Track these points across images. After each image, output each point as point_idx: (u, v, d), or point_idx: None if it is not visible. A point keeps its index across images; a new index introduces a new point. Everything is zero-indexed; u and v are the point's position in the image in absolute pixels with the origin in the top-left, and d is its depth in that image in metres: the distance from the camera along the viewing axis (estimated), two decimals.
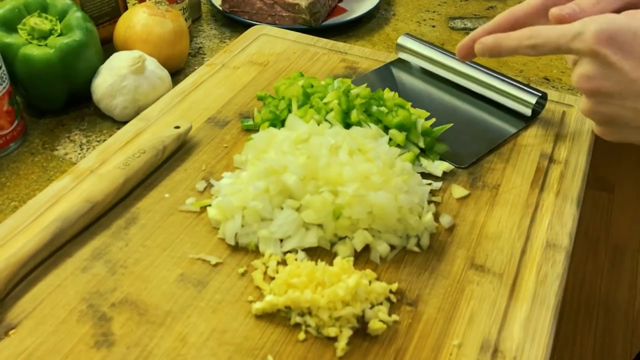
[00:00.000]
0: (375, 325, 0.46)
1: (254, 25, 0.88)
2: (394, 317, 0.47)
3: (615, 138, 0.48)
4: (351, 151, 0.56)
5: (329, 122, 0.62)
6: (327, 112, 0.63)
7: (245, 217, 0.53)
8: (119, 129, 0.69)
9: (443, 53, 0.75)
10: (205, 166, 0.62)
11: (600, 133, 0.48)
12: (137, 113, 0.71)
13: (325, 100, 0.64)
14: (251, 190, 0.54)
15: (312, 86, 0.67)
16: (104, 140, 0.69)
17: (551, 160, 0.64)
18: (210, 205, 0.56)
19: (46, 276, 0.50)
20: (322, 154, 0.55)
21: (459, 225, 0.56)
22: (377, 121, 0.63)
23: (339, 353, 0.45)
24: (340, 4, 0.99)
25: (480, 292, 0.50)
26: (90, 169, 0.61)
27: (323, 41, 0.84)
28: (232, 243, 0.53)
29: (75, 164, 0.66)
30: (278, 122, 0.64)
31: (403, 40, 0.78)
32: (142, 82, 0.72)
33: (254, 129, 0.67)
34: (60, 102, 0.74)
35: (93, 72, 0.73)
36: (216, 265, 0.52)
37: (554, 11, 0.47)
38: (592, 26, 0.42)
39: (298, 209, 0.53)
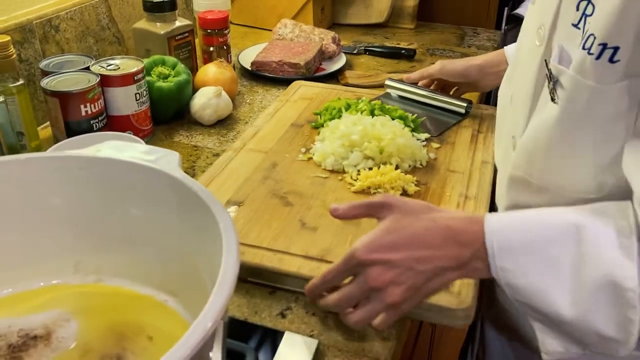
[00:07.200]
0: (410, 188, 0.99)
1: (271, 77, 1.49)
2: (417, 189, 1.01)
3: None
4: (382, 124, 1.11)
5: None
6: (361, 112, 1.18)
7: (334, 157, 1.06)
8: (206, 129, 1.22)
9: (413, 87, 1.33)
10: (300, 144, 1.15)
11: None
12: (217, 120, 1.26)
13: (359, 107, 1.20)
14: (336, 144, 1.07)
15: (348, 104, 1.23)
16: (198, 135, 1.22)
17: (479, 131, 1.21)
18: (313, 156, 1.09)
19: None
20: (369, 124, 1.10)
21: (438, 159, 1.11)
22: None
23: None
24: (321, 65, 1.59)
25: (453, 180, 1.04)
26: (241, 147, 1.13)
27: (338, 86, 1.41)
28: (330, 169, 1.06)
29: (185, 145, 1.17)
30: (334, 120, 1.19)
31: (388, 81, 1.36)
32: (220, 102, 1.27)
33: (318, 126, 1.20)
34: (172, 115, 1.27)
35: (189, 98, 1.28)
36: (326, 177, 1.04)
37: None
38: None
39: (361, 151, 1.07)
